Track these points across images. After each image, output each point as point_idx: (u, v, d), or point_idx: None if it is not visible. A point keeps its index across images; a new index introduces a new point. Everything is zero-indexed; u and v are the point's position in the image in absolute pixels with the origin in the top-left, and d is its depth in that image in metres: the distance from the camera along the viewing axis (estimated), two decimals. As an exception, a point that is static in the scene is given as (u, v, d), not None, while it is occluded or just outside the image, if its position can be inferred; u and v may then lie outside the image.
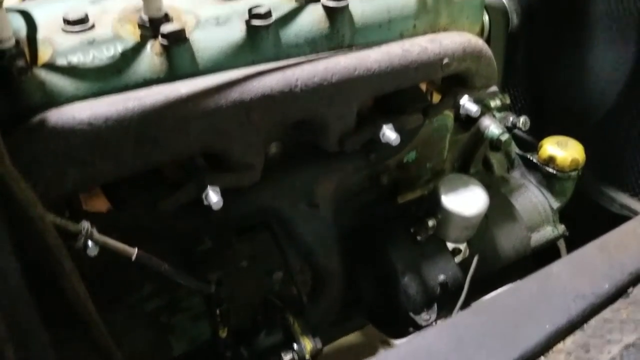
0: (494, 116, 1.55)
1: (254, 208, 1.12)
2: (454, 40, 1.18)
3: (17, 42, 0.92)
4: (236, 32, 1.03)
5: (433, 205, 1.28)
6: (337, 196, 1.24)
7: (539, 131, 1.74)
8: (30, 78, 0.88)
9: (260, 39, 1.04)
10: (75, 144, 0.86)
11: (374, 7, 1.15)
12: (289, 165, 1.15)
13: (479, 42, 1.21)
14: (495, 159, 1.56)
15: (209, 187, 0.99)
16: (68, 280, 0.65)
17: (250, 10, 1.03)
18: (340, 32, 1.12)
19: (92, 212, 0.98)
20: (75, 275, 0.68)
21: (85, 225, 0.85)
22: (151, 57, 0.97)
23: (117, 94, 0.94)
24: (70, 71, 0.92)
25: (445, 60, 1.16)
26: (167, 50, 0.97)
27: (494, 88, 1.28)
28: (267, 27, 1.03)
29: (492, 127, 1.49)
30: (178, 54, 0.98)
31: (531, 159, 1.55)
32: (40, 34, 0.98)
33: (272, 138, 1.13)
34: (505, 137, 1.47)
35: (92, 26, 1.00)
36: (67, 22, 0.98)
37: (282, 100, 1.01)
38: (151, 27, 0.99)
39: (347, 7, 1.10)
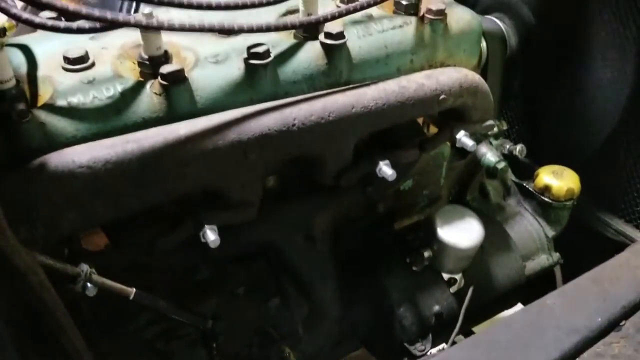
0: (490, 143, 1.57)
1: (251, 242, 1.13)
2: (451, 76, 1.19)
3: (18, 81, 0.93)
4: (235, 70, 1.05)
5: (429, 237, 1.29)
6: (334, 226, 1.25)
7: (537, 155, 1.76)
8: (30, 120, 0.90)
9: (259, 77, 1.05)
10: (75, 187, 0.87)
11: (371, 43, 1.16)
12: (285, 200, 1.16)
13: (475, 78, 1.22)
14: (492, 186, 1.58)
15: (206, 226, 1.00)
16: (64, 335, 0.66)
17: (249, 48, 1.04)
18: (338, 68, 1.13)
19: (91, 251, 0.99)
20: (71, 328, 0.69)
21: (84, 268, 0.86)
22: (150, 97, 0.98)
23: (117, 134, 0.95)
24: (70, 112, 0.94)
25: (442, 96, 1.17)
26: (166, 90, 0.98)
27: (490, 122, 1.29)
28: (265, 65, 1.04)
29: (489, 155, 1.50)
30: (177, 93, 0.99)
31: (527, 187, 1.56)
32: (41, 72, 0.99)
33: (269, 173, 1.14)
34: (502, 165, 1.49)
35: (92, 64, 1.01)
36: (67, 60, 0.99)
37: (280, 139, 1.02)
38: (151, 65, 1.00)
39: (344, 44, 1.11)
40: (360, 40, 1.16)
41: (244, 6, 1.03)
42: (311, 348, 1.25)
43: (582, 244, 1.71)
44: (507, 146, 1.61)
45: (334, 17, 1.08)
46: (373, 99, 1.10)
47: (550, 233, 1.53)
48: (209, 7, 0.99)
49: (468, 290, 1.31)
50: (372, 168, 1.15)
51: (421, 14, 1.22)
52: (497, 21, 1.67)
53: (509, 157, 1.60)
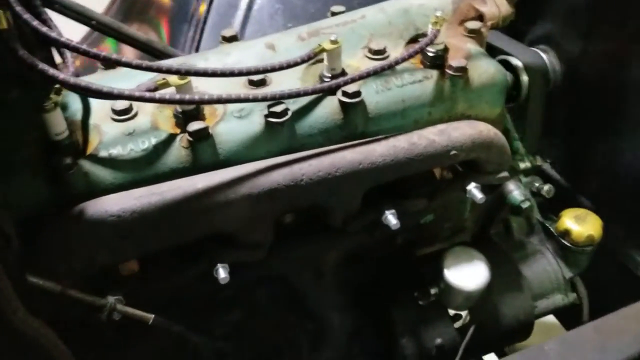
0: (519, 180, 1.60)
1: (261, 274, 1.27)
2: (464, 132, 1.24)
3: (71, 132, 1.10)
4: (256, 125, 1.17)
5: (436, 275, 1.37)
6: (346, 259, 1.36)
7: (571, 187, 1.76)
8: (75, 171, 1.07)
9: (277, 133, 1.17)
10: (107, 232, 1.04)
11: (389, 98, 1.24)
12: (295, 238, 1.28)
13: (490, 133, 1.27)
14: (516, 223, 1.62)
15: (219, 264, 1.15)
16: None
17: (269, 107, 1.16)
18: (354, 122, 1.22)
19: (123, 275, 1.17)
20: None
21: (110, 300, 1.04)
22: (179, 150, 1.13)
23: (148, 182, 1.10)
24: (110, 163, 1.10)
25: (453, 152, 1.23)
26: (192, 145, 1.12)
27: (504, 174, 1.33)
28: (282, 123, 1.16)
29: (516, 192, 1.54)
30: (202, 148, 1.12)
31: (549, 228, 1.59)
32: (92, 120, 1.15)
33: (279, 217, 1.25)
34: (527, 204, 1.53)
35: (135, 114, 1.17)
36: (114, 111, 1.15)
37: (288, 192, 1.13)
38: (183, 119, 1.14)
39: (361, 101, 1.20)
40: (379, 95, 1.24)
41: (272, 69, 1.15)
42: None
43: (611, 277, 1.72)
44: (537, 184, 1.63)
45: (354, 80, 1.17)
46: (381, 156, 1.19)
47: (568, 274, 1.57)
48: (240, 74, 1.11)
49: (470, 328, 1.39)
50: (378, 216, 1.25)
51: (447, 64, 1.28)
52: (542, 54, 1.67)
53: (536, 194, 1.62)
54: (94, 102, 1.19)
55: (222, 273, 1.14)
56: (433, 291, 1.37)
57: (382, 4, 1.42)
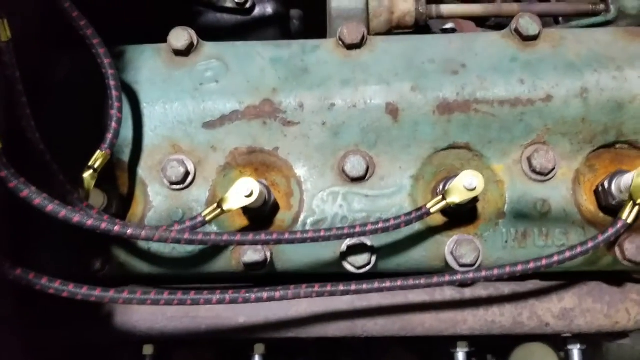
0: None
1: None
2: (593, 321, 0.94)
3: (110, 194, 0.90)
4: (330, 252, 0.91)
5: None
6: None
7: None
8: (107, 271, 0.92)
9: (360, 269, 0.92)
10: (134, 339, 0.96)
11: (517, 257, 0.90)
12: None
13: (629, 324, 0.94)
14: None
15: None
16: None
17: (348, 248, 0.88)
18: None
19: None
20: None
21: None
22: (229, 261, 0.93)
23: (188, 279, 0.95)
24: (148, 257, 0.94)
25: (566, 335, 0.96)
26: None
27: (626, 340, 1.03)
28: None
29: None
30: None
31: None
32: (143, 164, 0.94)
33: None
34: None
35: (192, 182, 0.93)
36: (168, 181, 0.92)
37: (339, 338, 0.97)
38: (248, 216, 0.91)
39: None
40: (505, 250, 0.91)
41: (360, 233, 0.83)
42: None
43: None
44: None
45: (486, 279, 0.83)
46: (470, 329, 0.94)
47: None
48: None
49: None
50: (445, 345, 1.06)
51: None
52: None
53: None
54: (149, 132, 0.94)
55: (256, 362, 1.07)
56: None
57: (590, 80, 0.88)
